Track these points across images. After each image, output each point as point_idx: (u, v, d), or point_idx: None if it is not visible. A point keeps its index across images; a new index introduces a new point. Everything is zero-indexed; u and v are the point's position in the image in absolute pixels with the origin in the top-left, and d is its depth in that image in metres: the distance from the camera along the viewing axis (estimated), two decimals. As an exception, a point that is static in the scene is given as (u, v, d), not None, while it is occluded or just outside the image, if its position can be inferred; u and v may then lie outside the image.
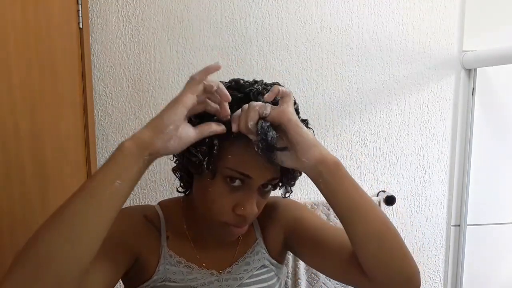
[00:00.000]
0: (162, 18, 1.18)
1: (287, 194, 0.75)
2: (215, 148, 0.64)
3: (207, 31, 1.20)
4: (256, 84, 0.68)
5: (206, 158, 0.64)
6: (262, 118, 0.61)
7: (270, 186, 0.69)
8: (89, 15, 1.13)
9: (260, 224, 0.81)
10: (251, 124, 0.61)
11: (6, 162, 0.93)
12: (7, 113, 0.93)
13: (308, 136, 0.63)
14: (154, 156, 0.58)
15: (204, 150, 0.63)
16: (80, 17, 1.06)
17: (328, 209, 1.25)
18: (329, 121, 1.29)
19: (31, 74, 0.97)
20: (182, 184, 0.75)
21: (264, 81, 0.71)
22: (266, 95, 0.64)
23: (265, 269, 0.78)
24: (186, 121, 0.60)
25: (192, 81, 0.60)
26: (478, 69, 1.32)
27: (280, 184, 0.71)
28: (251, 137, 0.62)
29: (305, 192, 1.28)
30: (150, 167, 1.24)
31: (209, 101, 0.63)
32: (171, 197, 0.86)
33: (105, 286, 0.61)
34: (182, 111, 0.58)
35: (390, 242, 0.65)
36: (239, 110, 0.63)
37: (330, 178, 0.62)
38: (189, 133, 0.60)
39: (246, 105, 0.63)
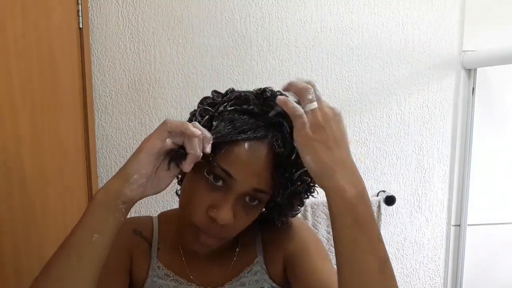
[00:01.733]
0: (162, 18, 1.18)
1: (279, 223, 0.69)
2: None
3: (207, 31, 1.20)
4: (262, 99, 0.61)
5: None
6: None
7: (256, 201, 0.61)
8: (89, 15, 1.13)
9: (263, 240, 0.73)
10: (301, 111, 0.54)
11: (6, 163, 0.93)
12: (7, 113, 0.93)
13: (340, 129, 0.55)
14: (130, 203, 0.55)
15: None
16: (80, 17, 1.06)
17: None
18: (329, 121, 1.29)
19: (31, 74, 0.97)
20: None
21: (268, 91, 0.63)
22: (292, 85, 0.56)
23: None
24: (161, 161, 0.56)
25: (162, 125, 0.55)
26: (478, 69, 1.32)
27: (277, 206, 0.65)
28: (294, 108, 0.54)
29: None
30: (150, 167, 1.24)
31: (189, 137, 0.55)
32: (171, 197, 0.84)
33: None
34: (145, 158, 0.54)
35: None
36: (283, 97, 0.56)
37: (347, 206, 0.52)
38: (168, 173, 0.57)
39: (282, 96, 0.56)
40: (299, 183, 0.61)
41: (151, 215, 0.78)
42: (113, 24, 1.17)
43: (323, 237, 1.29)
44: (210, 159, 0.58)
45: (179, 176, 0.69)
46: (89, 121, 1.09)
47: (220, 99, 0.64)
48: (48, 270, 0.53)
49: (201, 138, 0.54)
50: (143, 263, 0.70)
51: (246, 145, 0.58)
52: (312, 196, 0.66)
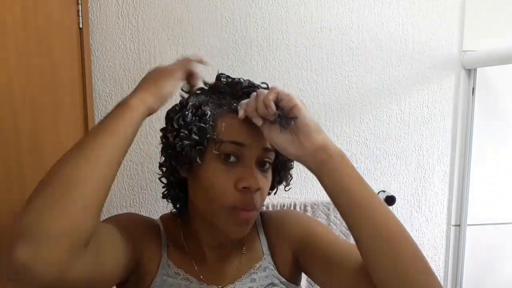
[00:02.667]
0: (162, 18, 1.18)
1: (287, 188, 0.74)
2: (208, 118, 0.65)
3: (207, 31, 1.20)
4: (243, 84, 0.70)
5: (198, 134, 0.64)
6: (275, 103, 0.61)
7: (267, 165, 0.66)
8: (89, 15, 1.13)
9: (268, 238, 0.75)
10: (270, 108, 0.60)
11: (6, 162, 0.93)
12: (7, 113, 0.93)
13: (313, 122, 0.61)
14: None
15: (196, 127, 0.64)
16: (80, 17, 1.06)
17: (328, 209, 1.25)
18: (329, 121, 1.29)
19: (31, 74, 0.97)
20: (178, 204, 0.76)
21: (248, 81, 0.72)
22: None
23: None
24: None
25: (184, 60, 0.72)
26: (478, 69, 1.32)
27: (277, 172, 0.71)
28: (256, 121, 0.62)
29: (305, 192, 1.28)
30: (150, 166, 1.24)
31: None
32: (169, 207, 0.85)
33: (119, 265, 0.61)
34: (176, 85, 0.67)
35: (405, 250, 0.56)
36: (246, 100, 0.65)
37: (333, 168, 0.58)
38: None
39: (255, 93, 0.64)
40: None
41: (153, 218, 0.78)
42: (113, 24, 1.17)
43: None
44: (216, 141, 0.63)
45: (172, 193, 0.75)
46: (89, 121, 1.09)
47: (201, 94, 0.72)
48: (83, 141, 0.56)
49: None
50: (154, 257, 0.70)
51: (240, 113, 0.63)
52: None
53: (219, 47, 1.21)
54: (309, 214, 1.27)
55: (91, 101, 1.12)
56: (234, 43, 1.22)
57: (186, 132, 0.64)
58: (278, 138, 0.62)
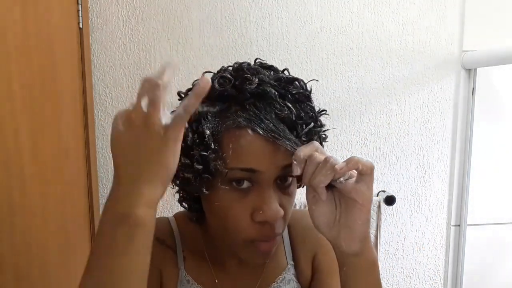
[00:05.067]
0: (162, 18, 1.18)
1: None
2: (208, 141, 0.51)
3: (207, 31, 1.20)
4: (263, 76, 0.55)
5: (202, 163, 0.52)
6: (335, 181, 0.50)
7: (290, 179, 0.55)
8: (89, 15, 1.13)
9: (292, 245, 0.68)
10: (321, 186, 0.49)
11: (6, 162, 0.93)
12: (7, 112, 0.93)
13: (366, 227, 0.52)
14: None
15: (197, 154, 0.52)
16: (80, 17, 1.06)
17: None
18: (329, 121, 1.29)
19: (31, 74, 0.96)
20: (196, 214, 0.64)
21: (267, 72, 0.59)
22: (338, 167, 0.48)
23: None
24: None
25: (147, 86, 0.43)
26: (478, 69, 1.32)
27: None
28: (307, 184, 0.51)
29: (305, 192, 1.28)
30: (150, 167, 1.23)
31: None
32: (171, 197, 0.78)
33: None
34: (179, 149, 0.45)
35: None
36: (303, 150, 0.50)
37: (353, 272, 0.53)
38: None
39: (317, 154, 0.50)
40: (315, 137, 0.57)
41: (165, 216, 0.70)
42: (113, 24, 1.17)
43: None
44: (223, 168, 0.51)
45: (187, 204, 0.63)
46: (89, 121, 1.09)
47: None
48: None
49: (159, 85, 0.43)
50: (171, 275, 0.63)
51: (249, 130, 0.51)
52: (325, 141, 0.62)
53: (219, 47, 1.21)
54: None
55: (91, 101, 1.12)
56: (234, 43, 1.22)
57: (188, 161, 0.52)
58: (318, 209, 0.53)
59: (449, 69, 1.33)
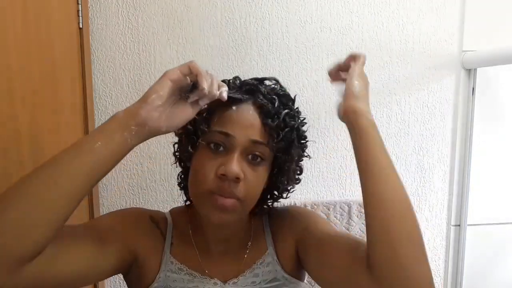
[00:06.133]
0: (162, 18, 1.18)
1: (284, 194, 0.75)
2: (202, 110, 0.66)
3: (207, 31, 1.20)
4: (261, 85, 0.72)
5: (192, 124, 0.67)
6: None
7: (259, 158, 0.66)
8: (89, 15, 1.13)
9: (273, 233, 0.77)
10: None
11: (6, 163, 0.93)
12: (7, 113, 0.93)
13: (358, 90, 0.75)
14: (141, 127, 0.58)
15: (193, 120, 0.65)
16: (80, 17, 1.06)
17: (328, 209, 1.25)
18: (329, 121, 1.29)
19: (31, 74, 0.96)
20: (187, 195, 0.78)
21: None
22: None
23: (277, 283, 0.73)
24: (178, 99, 0.61)
25: (188, 62, 0.61)
26: (478, 69, 1.32)
27: (277, 170, 0.71)
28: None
29: (305, 192, 1.28)
30: (150, 166, 1.24)
31: (201, 78, 0.61)
32: (171, 197, 0.87)
33: (80, 270, 0.60)
34: (165, 81, 0.59)
35: (401, 231, 0.59)
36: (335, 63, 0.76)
37: (359, 132, 0.69)
38: (185, 110, 0.62)
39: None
40: (287, 129, 0.68)
41: (163, 211, 0.80)
42: (113, 24, 1.17)
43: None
44: (207, 129, 0.66)
45: (177, 154, 0.76)
46: (89, 121, 1.09)
47: None
48: (43, 166, 0.57)
49: (217, 82, 0.62)
50: (155, 255, 0.72)
51: (234, 107, 0.66)
52: (306, 144, 0.75)
53: (219, 47, 1.21)
54: (309, 214, 1.27)
55: (91, 101, 1.12)
56: (234, 43, 1.22)
57: (188, 125, 0.67)
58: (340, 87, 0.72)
59: (449, 69, 1.33)
